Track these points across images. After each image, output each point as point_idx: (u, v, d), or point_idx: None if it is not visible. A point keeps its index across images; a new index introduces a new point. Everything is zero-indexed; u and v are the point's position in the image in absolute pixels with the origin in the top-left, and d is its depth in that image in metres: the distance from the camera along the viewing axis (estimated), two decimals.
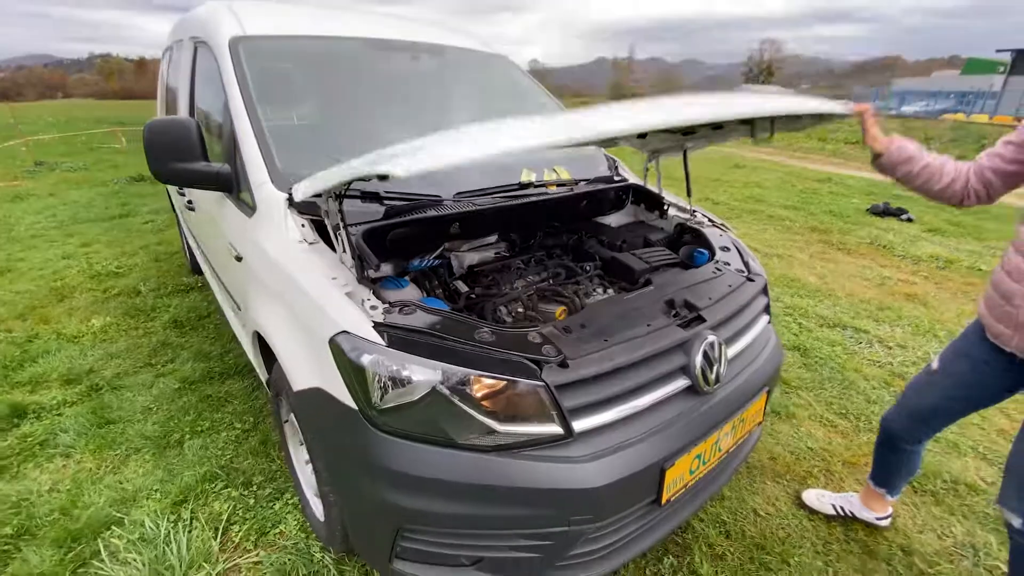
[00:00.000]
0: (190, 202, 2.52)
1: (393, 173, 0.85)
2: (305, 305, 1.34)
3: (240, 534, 1.75)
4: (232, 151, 1.82)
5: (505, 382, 1.16)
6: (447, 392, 1.14)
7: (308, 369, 1.32)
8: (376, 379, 1.16)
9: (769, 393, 1.66)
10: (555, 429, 1.19)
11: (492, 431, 1.16)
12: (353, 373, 1.18)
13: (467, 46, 2.73)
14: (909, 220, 6.36)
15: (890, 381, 2.76)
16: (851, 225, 6.10)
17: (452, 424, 1.16)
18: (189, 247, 3.85)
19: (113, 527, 1.77)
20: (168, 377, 2.69)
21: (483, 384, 1.16)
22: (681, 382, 1.37)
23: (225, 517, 1.81)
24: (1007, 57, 33.90)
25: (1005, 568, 1.63)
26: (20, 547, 1.69)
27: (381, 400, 1.16)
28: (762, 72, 79.97)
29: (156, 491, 1.93)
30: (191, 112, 2.55)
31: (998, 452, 2.21)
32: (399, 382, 1.14)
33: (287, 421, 1.86)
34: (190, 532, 1.73)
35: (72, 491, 1.93)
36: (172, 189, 3.60)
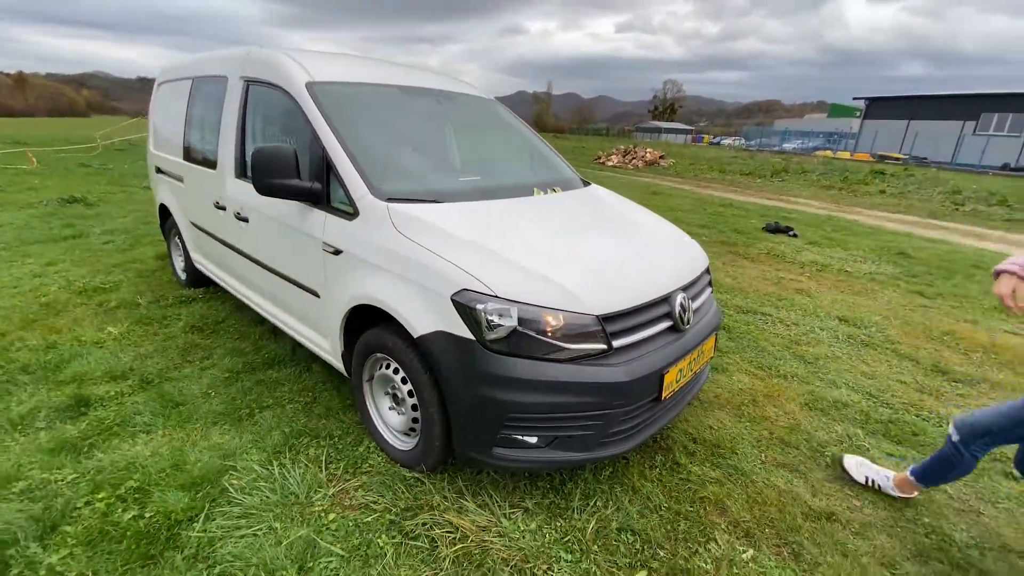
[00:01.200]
0: (244, 218, 2.92)
1: None
2: (425, 274, 1.92)
3: (340, 469, 2.22)
4: (323, 171, 2.34)
5: (569, 315, 1.82)
6: (525, 330, 1.78)
7: (430, 319, 1.89)
8: (485, 318, 1.77)
9: (716, 338, 2.45)
10: (602, 346, 1.86)
11: (562, 348, 1.81)
12: (471, 315, 1.79)
13: (468, 92, 3.42)
14: (795, 236, 7.84)
15: (788, 346, 3.74)
16: (751, 240, 7.44)
17: (535, 346, 1.80)
18: (188, 263, 4.09)
19: (230, 472, 2.16)
20: (212, 370, 3.01)
21: (550, 320, 1.81)
22: (667, 323, 2.11)
23: (323, 459, 2.26)
24: (862, 104, 40.57)
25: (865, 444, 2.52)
26: (151, 492, 2.04)
27: (490, 331, 1.78)
28: (667, 109, 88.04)
29: (252, 448, 2.32)
30: (242, 139, 2.98)
31: (861, 385, 3.19)
32: (495, 323, 1.77)
33: (370, 379, 2.37)
34: (298, 470, 2.17)
35: (174, 454, 2.27)
36: (183, 216, 3.88)
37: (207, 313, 3.83)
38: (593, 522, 1.99)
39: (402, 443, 2.29)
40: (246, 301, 3.33)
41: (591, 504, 2.08)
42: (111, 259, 5.13)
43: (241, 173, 3.02)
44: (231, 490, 2.06)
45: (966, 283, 5.67)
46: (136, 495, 2.02)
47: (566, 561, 1.82)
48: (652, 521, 2.02)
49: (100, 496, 1.99)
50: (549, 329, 1.81)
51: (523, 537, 1.90)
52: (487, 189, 2.60)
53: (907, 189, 14.90)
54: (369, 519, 1.95)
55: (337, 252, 2.29)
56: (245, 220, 2.93)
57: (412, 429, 2.23)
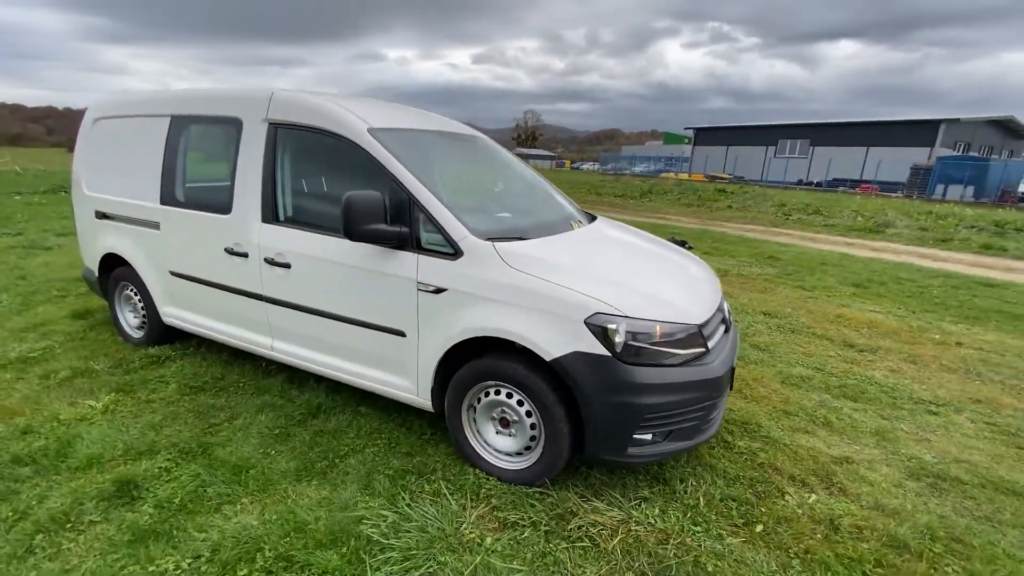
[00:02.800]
0: (283, 263, 2.80)
1: None
2: (552, 303, 2.16)
3: (464, 498, 2.30)
4: (410, 215, 2.44)
5: (679, 327, 2.22)
6: (651, 343, 2.14)
7: (564, 342, 2.14)
8: (619, 337, 2.09)
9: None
10: (702, 349, 2.28)
11: (677, 354, 2.20)
12: (605, 334, 2.09)
13: (470, 132, 3.68)
14: (691, 248, 9.21)
15: (742, 339, 4.56)
16: None
17: (658, 355, 2.16)
18: (153, 318, 3.65)
19: (361, 522, 2.12)
20: (252, 429, 2.79)
21: (669, 332, 2.19)
22: (723, 325, 2.62)
23: (444, 492, 2.32)
24: (691, 133, 48.08)
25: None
26: (295, 558, 1.93)
27: (624, 347, 2.10)
28: (529, 136, 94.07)
29: (363, 495, 2.29)
30: (272, 183, 2.87)
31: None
32: (628, 340, 2.10)
33: (469, 409, 2.48)
34: (428, 506, 2.21)
35: (286, 517, 2.14)
36: (154, 266, 3.46)
37: (196, 371, 3.46)
38: (701, 498, 2.38)
39: (513, 463, 2.45)
40: (260, 351, 3.14)
41: (690, 484, 2.47)
42: (12, 323, 4.25)
43: (273, 218, 2.90)
44: (377, 538, 2.05)
45: (824, 277, 7.28)
46: (283, 564, 1.91)
47: (698, 532, 2.18)
48: (739, 488, 2.47)
49: (243, 574, 1.85)
50: (669, 340, 2.18)
51: (657, 521, 2.21)
52: (543, 224, 2.89)
53: (747, 204, 18.16)
54: (526, 534, 2.10)
55: (439, 291, 2.40)
56: (285, 266, 2.82)
57: (528, 448, 2.41)
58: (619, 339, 2.10)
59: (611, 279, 2.37)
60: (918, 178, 27.56)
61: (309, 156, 2.91)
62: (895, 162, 30.94)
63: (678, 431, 2.28)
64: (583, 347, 2.13)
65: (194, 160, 3.32)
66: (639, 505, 2.31)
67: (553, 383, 2.24)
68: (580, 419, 2.24)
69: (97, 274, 3.93)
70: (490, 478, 2.45)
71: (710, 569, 1.98)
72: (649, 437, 2.22)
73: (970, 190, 24.88)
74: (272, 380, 3.35)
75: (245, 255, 2.96)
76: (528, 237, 2.55)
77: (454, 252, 2.39)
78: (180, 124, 3.28)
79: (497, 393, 2.41)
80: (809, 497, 2.44)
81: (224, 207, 3.05)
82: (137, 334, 3.92)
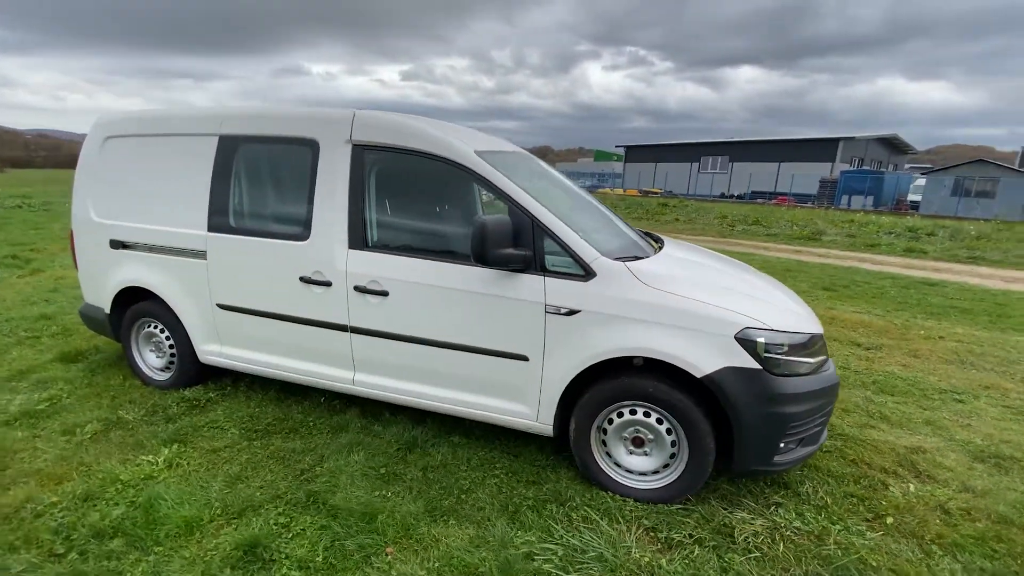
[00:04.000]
0: (379, 291, 2.64)
1: None
2: (698, 320, 2.21)
3: (616, 522, 2.26)
4: (533, 237, 2.41)
5: (809, 337, 2.35)
6: (794, 354, 2.25)
7: (714, 358, 2.19)
8: (768, 349, 2.19)
9: None
10: (824, 357, 2.43)
11: (810, 363, 2.32)
12: (754, 348, 2.17)
13: (529, 154, 3.69)
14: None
15: None
16: None
17: (798, 365, 2.27)
18: (187, 356, 3.30)
19: (531, 559, 2.03)
20: (350, 471, 2.58)
21: (805, 342, 2.31)
22: None
23: (593, 518, 2.27)
24: (621, 151, 50.65)
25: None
26: None
27: (772, 359, 2.19)
28: None
29: (514, 529, 2.19)
30: (361, 206, 2.72)
31: None
32: (776, 352, 2.20)
33: (601, 429, 2.46)
34: (590, 533, 2.16)
35: (446, 562, 2.00)
36: (195, 299, 3.12)
37: (251, 413, 3.14)
38: (826, 497, 2.50)
39: (649, 483, 2.45)
40: (335, 386, 2.93)
41: (807, 488, 2.59)
42: (12, 364, 3.67)
43: (362, 243, 2.73)
44: (556, 573, 1.96)
45: (796, 282, 7.91)
46: None
47: (839, 528, 2.29)
48: (849, 484, 2.63)
49: None
50: (803, 349, 2.31)
51: (800, 524, 2.30)
52: (635, 244, 2.94)
53: (692, 216, 19.37)
54: (696, 552, 2.11)
55: (571, 313, 2.37)
56: (381, 294, 2.66)
57: (666, 465, 2.43)
58: (767, 352, 2.19)
59: (739, 294, 2.47)
60: (826, 190, 30.76)
61: (402, 179, 2.79)
62: (805, 176, 34.37)
63: (807, 437, 2.39)
64: (735, 362, 2.19)
65: (263, 183, 3.06)
66: (776, 510, 2.39)
67: (697, 399, 2.29)
68: (722, 433, 2.30)
69: (109, 311, 3.48)
70: (627, 500, 2.43)
71: (874, 564, 2.09)
72: (790, 445, 2.32)
73: (870, 199, 28.15)
74: (344, 416, 3.12)
75: (327, 284, 2.76)
76: (641, 257, 2.60)
77: (585, 273, 2.38)
78: (231, 145, 3.01)
79: (633, 413, 2.41)
80: (909, 487, 2.64)
81: (298, 233, 2.84)
82: (161, 376, 3.50)
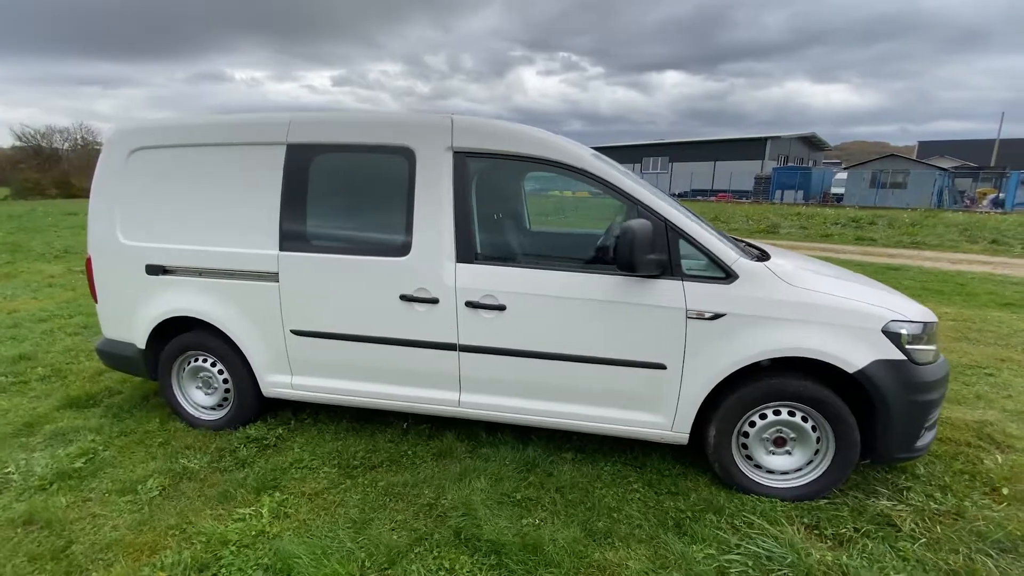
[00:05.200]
0: (495, 306, 2.48)
1: None
2: (847, 316, 2.25)
3: (767, 524, 2.25)
4: (667, 241, 2.35)
5: (935, 324, 2.45)
6: (928, 343, 2.34)
7: (864, 352, 2.23)
8: (911, 340, 2.26)
9: None
10: (935, 346, 2.53)
11: (934, 351, 2.42)
12: (899, 339, 2.24)
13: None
14: None
15: None
16: None
17: (929, 353, 2.36)
18: (248, 391, 2.96)
19: (726, 574, 1.96)
20: (482, 500, 2.39)
21: (932, 331, 2.40)
22: None
23: (751, 524, 2.24)
24: None
25: None
26: None
27: (914, 349, 2.27)
28: None
29: (686, 545, 2.11)
30: (467, 217, 2.55)
31: None
32: (916, 342, 2.28)
33: (743, 433, 2.44)
34: (761, 540, 2.12)
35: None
36: (262, 326, 2.80)
37: (337, 447, 2.86)
38: (944, 476, 2.62)
39: (792, 481, 2.46)
40: (437, 409, 2.74)
41: (921, 470, 2.70)
42: (20, 414, 3.14)
43: (471, 256, 2.56)
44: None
45: None
46: None
47: (970, 504, 2.39)
48: (953, 461, 2.77)
49: None
50: (930, 338, 2.40)
51: (935, 503, 2.39)
52: (741, 246, 2.94)
53: None
54: (870, 546, 2.12)
55: (716, 317, 2.34)
56: (496, 308, 2.50)
57: (809, 462, 2.44)
58: (909, 343, 2.26)
59: (867, 289, 2.54)
60: (760, 185, 32.95)
61: (510, 187, 2.64)
62: (740, 174, 36.63)
63: (934, 422, 2.50)
64: (884, 355, 2.24)
65: (331, 197, 2.78)
66: (908, 494, 2.47)
67: (843, 394, 2.32)
68: (866, 426, 2.35)
69: (144, 346, 3.05)
70: (773, 501, 2.42)
71: (1019, 534, 2.21)
72: (925, 431, 2.41)
73: (800, 194, 30.48)
74: (440, 441, 2.91)
75: (434, 301, 2.56)
76: (764, 257, 2.62)
77: (726, 276, 2.35)
78: (304, 155, 2.72)
79: (776, 414, 2.41)
80: (996, 457, 2.83)
81: (396, 247, 2.62)
82: (211, 415, 3.11)
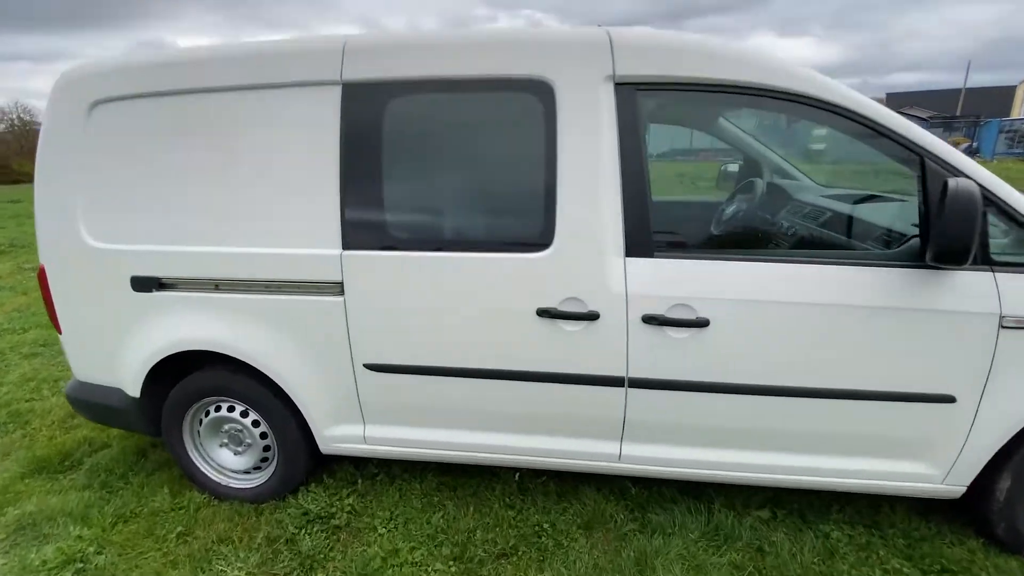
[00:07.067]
0: (695, 321, 1.64)
1: None
2: None
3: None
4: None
5: None
6: None
7: None
8: None
9: None
10: None
11: None
12: None
13: None
14: None
15: None
16: None
17: None
18: (300, 447, 2.09)
19: None
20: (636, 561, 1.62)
21: None
22: None
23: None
24: None
25: None
26: None
27: None
28: None
29: None
30: (642, 187, 1.67)
31: None
32: None
33: None
34: None
35: None
36: (319, 361, 1.89)
37: (431, 529, 2.01)
38: None
39: None
40: (587, 465, 1.93)
41: None
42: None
43: (648, 247, 1.69)
44: None
45: None
46: None
47: None
48: None
49: None
50: None
51: None
52: None
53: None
54: None
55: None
56: (695, 324, 1.66)
57: None
58: None
59: None
60: None
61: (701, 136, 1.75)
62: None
63: None
64: None
65: (419, 164, 1.83)
66: None
67: None
68: None
69: (139, 394, 2.10)
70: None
71: None
72: None
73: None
74: (581, 504, 2.09)
75: (591, 316, 1.70)
76: None
77: None
78: (372, 99, 1.74)
79: None
80: None
81: (529, 238, 1.72)
82: (246, 481, 2.23)
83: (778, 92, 1.61)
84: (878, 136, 1.59)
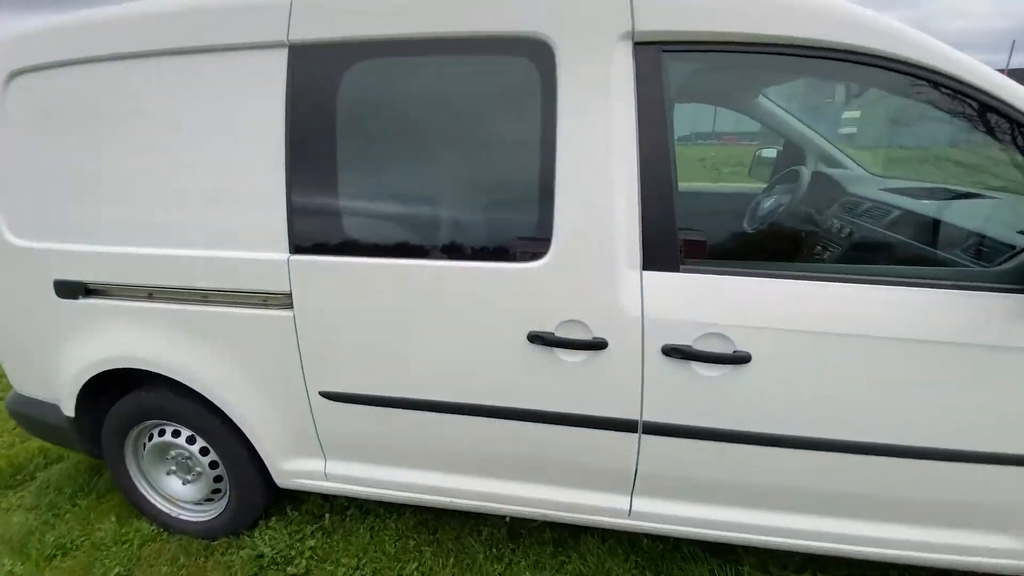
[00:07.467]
0: (736, 357, 1.26)
1: None
2: None
3: None
4: None
5: None
6: None
7: None
8: None
9: None
10: None
11: None
12: None
13: None
14: None
15: None
16: None
17: None
18: (256, 483, 1.79)
19: None
20: None
21: None
22: None
23: None
24: None
25: None
26: None
27: None
28: None
29: None
30: (660, 172, 1.28)
31: None
32: None
33: None
34: None
35: None
36: (271, 386, 1.57)
37: None
38: None
39: None
40: (587, 519, 1.58)
41: None
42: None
43: (672, 257, 1.30)
44: None
45: None
46: None
47: None
48: None
49: None
50: None
51: None
52: None
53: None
54: None
55: None
56: (733, 360, 1.27)
57: None
58: None
59: None
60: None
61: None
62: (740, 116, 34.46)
63: None
64: None
65: (384, 148, 1.47)
66: None
67: None
68: None
69: (74, 412, 1.82)
70: None
71: None
72: None
73: None
74: (579, 556, 1.76)
75: (597, 345, 1.33)
76: None
77: None
78: (325, 64, 1.39)
79: None
80: None
81: (519, 245, 1.36)
82: (198, 513, 1.95)
83: (862, 57, 1.18)
84: (1002, 111, 1.16)
